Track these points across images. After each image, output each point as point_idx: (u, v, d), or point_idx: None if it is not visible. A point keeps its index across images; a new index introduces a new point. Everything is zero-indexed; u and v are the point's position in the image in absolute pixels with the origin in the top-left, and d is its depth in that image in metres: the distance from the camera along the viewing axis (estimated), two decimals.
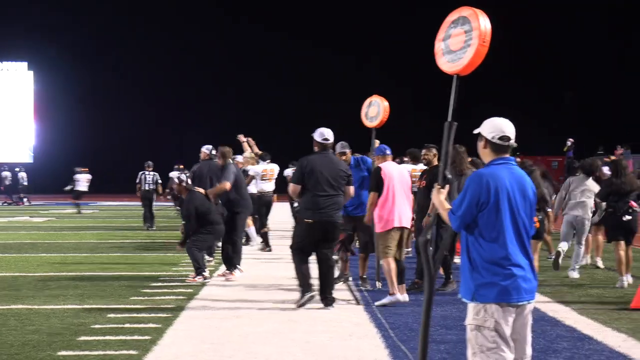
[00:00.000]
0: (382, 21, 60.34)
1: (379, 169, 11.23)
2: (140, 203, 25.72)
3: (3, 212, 35.14)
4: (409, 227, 11.33)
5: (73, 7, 56.90)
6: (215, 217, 13.46)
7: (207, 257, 14.46)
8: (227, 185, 13.46)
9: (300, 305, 10.62)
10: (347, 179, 10.83)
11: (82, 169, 33.98)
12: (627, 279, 12.77)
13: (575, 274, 13.64)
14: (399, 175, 11.32)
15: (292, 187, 10.87)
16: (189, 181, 14.73)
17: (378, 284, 12.12)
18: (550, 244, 16.16)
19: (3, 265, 15.60)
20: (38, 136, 55.26)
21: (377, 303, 11.00)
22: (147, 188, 25.06)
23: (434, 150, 11.90)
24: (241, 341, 8.80)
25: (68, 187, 33.68)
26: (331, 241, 10.80)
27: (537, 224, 13.30)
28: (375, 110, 11.62)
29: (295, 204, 17.28)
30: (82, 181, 33.13)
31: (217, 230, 13.48)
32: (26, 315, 10.22)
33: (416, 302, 10.59)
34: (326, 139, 10.71)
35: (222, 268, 13.93)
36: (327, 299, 10.63)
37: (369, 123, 11.80)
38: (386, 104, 11.56)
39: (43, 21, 56.32)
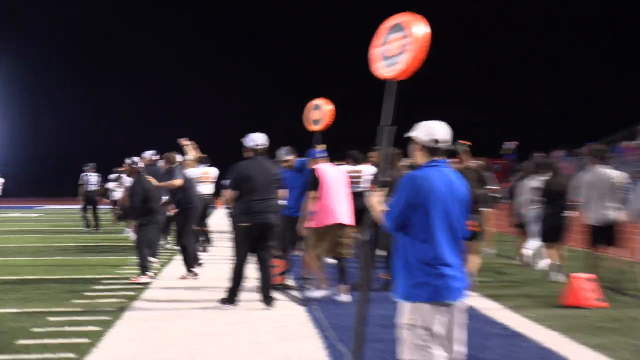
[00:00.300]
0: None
1: (313, 170, 11.51)
2: (80, 205, 25.47)
3: None
4: (349, 223, 11.53)
5: None
6: (157, 206, 13.53)
7: (151, 259, 14.21)
8: (177, 182, 13.57)
9: (224, 302, 10.84)
10: (278, 183, 11.16)
11: None
12: (560, 276, 13.12)
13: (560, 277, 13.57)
14: (335, 175, 11.63)
15: (229, 193, 11.06)
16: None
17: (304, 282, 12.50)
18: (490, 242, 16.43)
19: None
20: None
21: (310, 295, 11.38)
22: (90, 189, 24.68)
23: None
24: (184, 343, 8.77)
25: None
26: (268, 242, 10.90)
27: (477, 228, 13.49)
28: (319, 113, 11.54)
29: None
30: None
31: (158, 220, 13.57)
32: None
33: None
34: (257, 145, 10.83)
35: (168, 270, 14.27)
36: (267, 298, 10.77)
37: (313, 126, 11.68)
38: (330, 107, 11.37)
39: None
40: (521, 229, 15.59)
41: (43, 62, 59.50)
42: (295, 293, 12.12)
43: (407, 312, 5.58)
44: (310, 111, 11.61)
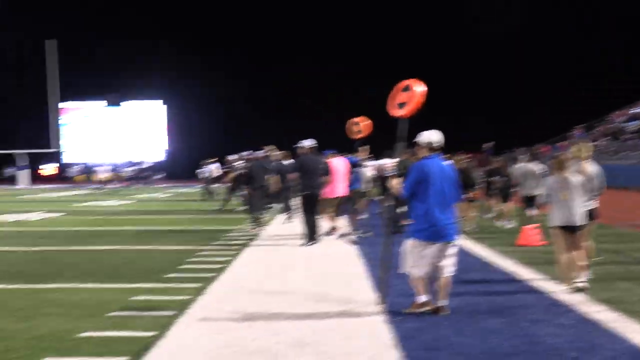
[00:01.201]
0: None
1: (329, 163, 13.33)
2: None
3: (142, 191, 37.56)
4: (342, 195, 13.71)
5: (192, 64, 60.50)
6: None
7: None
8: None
9: (303, 244, 12.21)
10: (325, 171, 12.76)
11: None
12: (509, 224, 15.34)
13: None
14: (340, 166, 13.77)
15: (292, 176, 12.82)
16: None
17: (359, 232, 13.62)
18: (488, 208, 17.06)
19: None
20: (171, 145, 60.54)
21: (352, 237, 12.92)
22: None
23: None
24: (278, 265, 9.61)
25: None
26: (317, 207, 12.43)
27: (477, 195, 15.96)
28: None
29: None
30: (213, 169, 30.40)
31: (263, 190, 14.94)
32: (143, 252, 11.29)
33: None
34: (302, 146, 12.69)
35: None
36: (316, 240, 12.36)
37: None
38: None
39: (172, 65, 60.36)
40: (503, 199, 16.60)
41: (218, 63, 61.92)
42: (348, 237, 13.25)
43: (410, 243, 6.65)
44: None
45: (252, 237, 13.52)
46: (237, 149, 22.76)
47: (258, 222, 14.67)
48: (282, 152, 17.82)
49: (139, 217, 19.12)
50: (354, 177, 13.95)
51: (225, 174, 24.29)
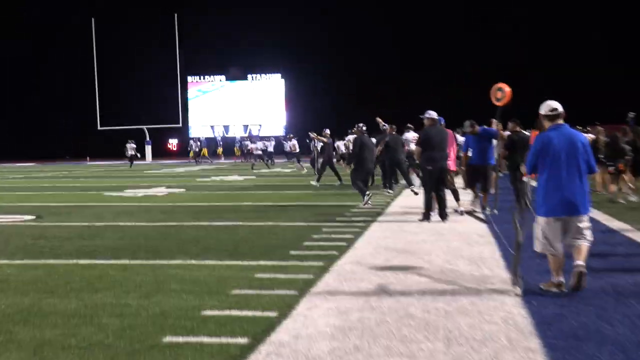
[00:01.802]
0: None
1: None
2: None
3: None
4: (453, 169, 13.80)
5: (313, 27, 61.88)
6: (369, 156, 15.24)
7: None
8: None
9: (422, 220, 12.10)
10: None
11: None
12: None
13: None
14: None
15: (417, 149, 12.60)
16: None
17: (488, 209, 13.40)
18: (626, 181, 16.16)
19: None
20: (288, 120, 62.70)
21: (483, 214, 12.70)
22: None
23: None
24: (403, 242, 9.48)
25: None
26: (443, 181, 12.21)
27: (621, 167, 15.15)
28: (501, 94, 11.65)
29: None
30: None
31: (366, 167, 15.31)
32: (271, 228, 11.40)
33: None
34: (431, 117, 12.41)
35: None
36: (444, 216, 12.19)
37: (496, 102, 11.83)
38: (509, 89, 11.60)
39: (292, 41, 61.77)
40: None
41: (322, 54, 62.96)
42: (479, 215, 12.95)
43: (540, 220, 6.51)
44: (495, 91, 11.80)
45: (377, 213, 13.40)
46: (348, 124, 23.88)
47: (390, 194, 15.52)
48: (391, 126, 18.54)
49: (260, 193, 19.40)
50: (489, 151, 13.47)
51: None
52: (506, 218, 11.65)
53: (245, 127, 62.00)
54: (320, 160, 23.32)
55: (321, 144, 23.65)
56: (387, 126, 18.35)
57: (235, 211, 14.47)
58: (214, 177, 28.80)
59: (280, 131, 59.93)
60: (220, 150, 55.28)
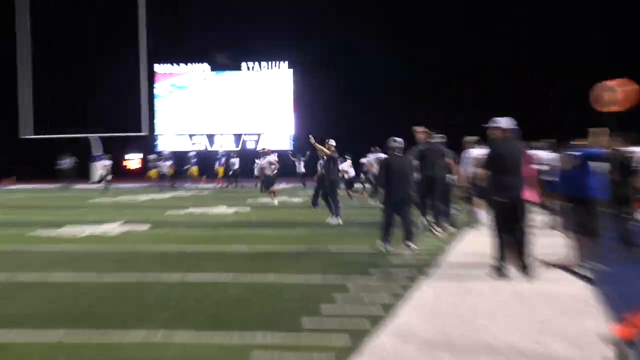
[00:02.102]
0: None
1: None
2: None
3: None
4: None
5: (327, 12, 61.63)
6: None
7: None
8: None
9: (493, 275, 12.04)
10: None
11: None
12: None
13: None
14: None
15: (482, 172, 12.56)
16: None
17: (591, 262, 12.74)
18: None
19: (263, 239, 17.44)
20: (297, 128, 61.78)
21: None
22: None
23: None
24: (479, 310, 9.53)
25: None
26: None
27: None
28: (613, 95, 12.02)
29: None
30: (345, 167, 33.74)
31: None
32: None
33: None
34: (501, 126, 12.45)
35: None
36: (526, 270, 11.95)
37: (606, 107, 12.20)
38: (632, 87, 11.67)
39: (300, 26, 61.43)
40: None
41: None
42: (579, 270, 12.62)
43: None
44: (603, 92, 12.00)
45: (428, 264, 13.46)
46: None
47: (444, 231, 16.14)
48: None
49: (257, 233, 19.48)
50: (588, 178, 12.95)
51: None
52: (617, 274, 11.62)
53: (237, 137, 61.96)
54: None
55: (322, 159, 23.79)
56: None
57: (222, 259, 14.59)
58: (191, 208, 29.18)
59: (285, 143, 59.56)
60: (195, 170, 54.83)
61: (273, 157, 33.71)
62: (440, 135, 19.66)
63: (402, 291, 10.96)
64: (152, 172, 49.92)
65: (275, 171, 33.06)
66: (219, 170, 51.73)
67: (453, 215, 19.35)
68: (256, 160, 42.83)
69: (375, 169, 30.20)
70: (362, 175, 36.99)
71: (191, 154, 54.45)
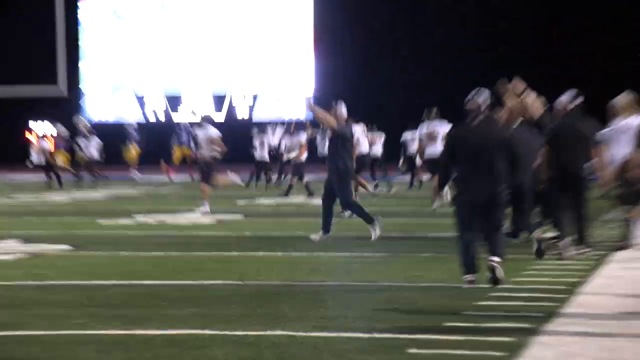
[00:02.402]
0: None
1: None
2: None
3: None
4: None
5: None
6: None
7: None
8: None
9: None
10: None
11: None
12: None
13: None
14: None
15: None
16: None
17: None
18: None
19: None
20: (319, 82, 62.80)
21: None
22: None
23: None
24: None
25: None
26: None
27: None
28: None
29: None
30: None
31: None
32: None
33: None
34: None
35: None
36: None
37: None
38: None
39: None
40: None
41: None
42: None
43: None
44: None
45: (548, 312, 12.69)
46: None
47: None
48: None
49: (253, 255, 19.52)
50: None
51: None
52: None
53: (219, 100, 59.44)
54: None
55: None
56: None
57: (196, 301, 14.09)
58: (141, 214, 28.90)
59: (301, 112, 57.04)
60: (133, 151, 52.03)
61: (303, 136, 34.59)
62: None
63: (505, 354, 10.50)
64: (60, 155, 47.24)
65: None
66: (178, 153, 48.87)
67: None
68: (270, 137, 42.03)
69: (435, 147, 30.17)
70: (401, 160, 35.00)
71: (132, 125, 51.84)
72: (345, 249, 20.15)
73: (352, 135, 22.97)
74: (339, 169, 21.72)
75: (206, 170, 30.71)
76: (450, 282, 15.02)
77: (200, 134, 33.02)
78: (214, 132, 31.97)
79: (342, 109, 22.31)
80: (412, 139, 35.61)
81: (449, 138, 15.81)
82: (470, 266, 14.87)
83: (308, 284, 15.61)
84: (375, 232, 21.53)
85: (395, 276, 16.00)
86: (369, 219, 21.76)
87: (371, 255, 19.30)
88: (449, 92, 47.38)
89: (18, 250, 20.16)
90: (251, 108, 58.83)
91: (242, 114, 58.51)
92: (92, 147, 45.94)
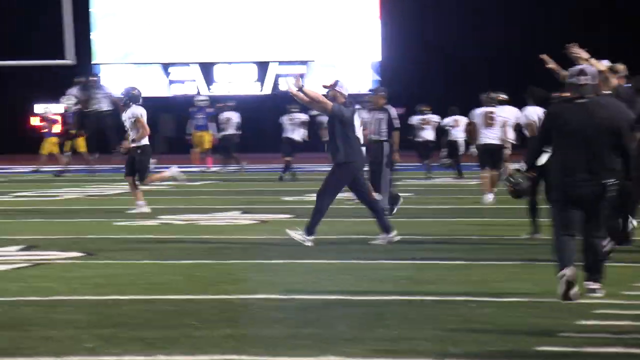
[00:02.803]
0: None
1: None
2: None
3: None
4: None
5: None
6: None
7: None
8: None
9: None
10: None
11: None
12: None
13: None
14: None
15: None
16: None
17: None
18: None
19: None
20: (386, 56, 63.85)
21: None
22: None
23: None
24: None
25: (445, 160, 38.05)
26: None
27: None
28: None
29: None
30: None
31: None
32: None
33: None
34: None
35: None
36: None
37: None
38: None
39: None
40: None
41: None
42: None
43: None
44: None
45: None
46: None
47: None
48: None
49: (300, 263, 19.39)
50: None
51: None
52: None
53: (262, 68, 59.64)
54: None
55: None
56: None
57: (232, 320, 14.09)
58: (166, 214, 29.45)
59: (366, 81, 57.59)
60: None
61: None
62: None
63: None
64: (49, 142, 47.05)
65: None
66: (201, 138, 48.42)
67: None
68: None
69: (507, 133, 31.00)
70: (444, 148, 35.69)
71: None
72: (411, 255, 20.43)
73: (351, 115, 23.02)
74: (339, 163, 22.48)
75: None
76: (544, 297, 14.64)
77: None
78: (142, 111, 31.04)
79: (342, 87, 23.04)
80: (454, 123, 37.17)
81: (548, 116, 15.51)
82: (567, 260, 14.35)
83: (368, 299, 15.64)
84: (383, 239, 22.23)
85: (474, 288, 16.05)
86: (384, 226, 22.38)
87: (444, 263, 19.47)
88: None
89: (18, 259, 20.50)
90: (302, 78, 59.03)
91: (284, 87, 58.55)
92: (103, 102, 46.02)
